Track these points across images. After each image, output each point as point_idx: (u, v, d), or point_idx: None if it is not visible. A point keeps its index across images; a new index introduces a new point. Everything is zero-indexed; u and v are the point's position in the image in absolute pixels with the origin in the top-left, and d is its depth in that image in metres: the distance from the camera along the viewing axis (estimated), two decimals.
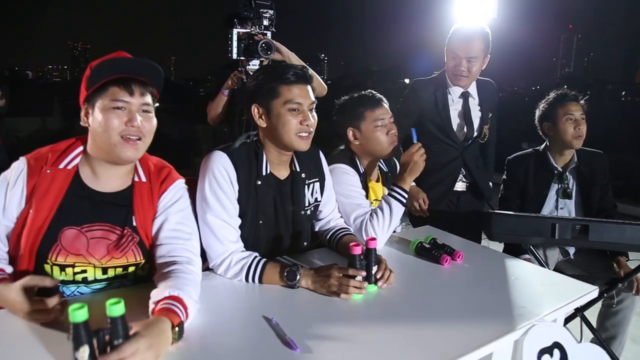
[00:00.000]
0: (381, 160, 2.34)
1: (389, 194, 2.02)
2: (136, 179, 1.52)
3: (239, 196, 1.70)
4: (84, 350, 0.99)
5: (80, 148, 1.49)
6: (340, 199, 2.06)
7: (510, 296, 1.55)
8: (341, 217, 2.05)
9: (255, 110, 1.72)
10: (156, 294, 1.27)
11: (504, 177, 2.69)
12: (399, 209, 1.99)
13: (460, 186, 2.73)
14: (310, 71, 1.77)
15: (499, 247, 2.48)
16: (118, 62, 1.40)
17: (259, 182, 1.74)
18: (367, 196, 2.17)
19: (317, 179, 1.93)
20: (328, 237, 1.97)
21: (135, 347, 1.04)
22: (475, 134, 2.67)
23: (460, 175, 2.71)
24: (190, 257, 1.47)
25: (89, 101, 1.42)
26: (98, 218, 1.46)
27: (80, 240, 1.43)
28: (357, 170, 2.15)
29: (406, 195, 2.01)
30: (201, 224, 1.64)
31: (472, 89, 2.67)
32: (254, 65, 2.56)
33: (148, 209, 1.52)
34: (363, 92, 2.15)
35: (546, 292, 1.59)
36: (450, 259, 1.83)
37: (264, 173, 1.75)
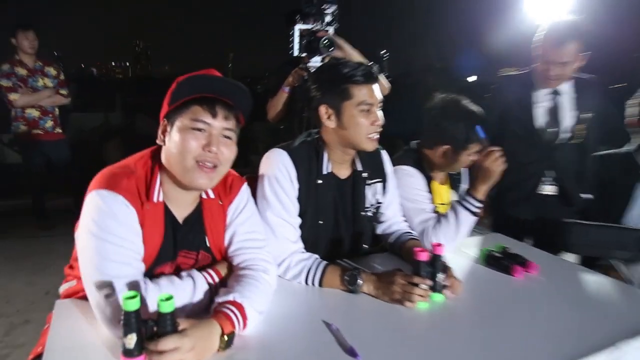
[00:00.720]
0: None
1: (460, 203, 1.97)
2: (204, 195, 1.49)
3: (299, 195, 1.72)
4: (132, 338, 1.07)
5: (158, 175, 1.41)
6: (404, 202, 2.04)
7: (592, 315, 1.46)
8: (405, 221, 2.03)
9: (323, 110, 1.73)
10: (221, 294, 1.31)
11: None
12: (467, 219, 1.94)
13: (547, 189, 2.55)
14: (376, 69, 1.76)
15: (576, 258, 2.36)
16: (205, 80, 1.35)
17: (320, 181, 1.76)
18: (432, 200, 2.13)
19: (379, 180, 1.93)
20: (391, 240, 1.96)
21: (177, 344, 1.07)
22: (568, 134, 2.49)
23: (549, 179, 2.54)
24: (265, 266, 1.48)
25: (169, 118, 1.37)
26: (179, 246, 1.45)
27: (166, 272, 1.45)
28: (423, 172, 2.12)
29: (479, 206, 1.94)
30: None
31: (566, 86, 2.50)
32: (315, 62, 2.57)
33: (219, 226, 1.51)
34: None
35: (633, 313, 1.49)
36: (523, 270, 1.76)
37: (324, 172, 1.77)
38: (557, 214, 2.47)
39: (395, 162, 2.08)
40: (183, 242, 1.44)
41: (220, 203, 1.51)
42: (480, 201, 1.94)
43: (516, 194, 2.55)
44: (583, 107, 2.51)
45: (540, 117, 2.51)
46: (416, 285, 1.49)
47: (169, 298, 1.06)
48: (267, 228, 1.66)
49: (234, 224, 1.52)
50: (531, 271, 1.77)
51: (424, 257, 1.52)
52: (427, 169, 2.15)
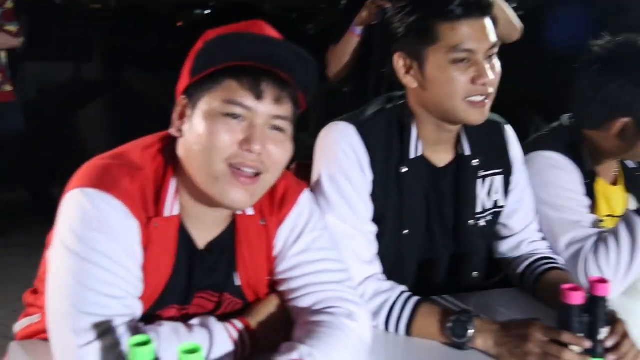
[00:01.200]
0: None
1: (638, 211, 1.92)
2: (239, 211, 1.50)
3: (373, 190, 1.75)
4: None
5: (172, 178, 1.43)
6: (544, 210, 2.02)
7: None
8: (543, 238, 2.01)
9: (399, 61, 1.76)
10: (284, 350, 1.33)
11: None
12: None
13: None
14: None
15: None
16: (247, 41, 1.34)
17: (404, 169, 1.78)
18: (593, 209, 2.09)
19: (499, 171, 1.93)
20: (520, 269, 1.95)
21: None
22: None
23: None
24: (350, 308, 1.49)
25: (190, 96, 1.37)
26: (196, 284, 1.48)
27: (174, 319, 1.46)
28: (580, 163, 2.07)
29: None
30: None
31: None
32: None
33: (258, 256, 1.53)
34: None
35: None
36: None
37: (412, 156, 1.79)
38: None
39: (531, 146, 2.07)
40: (202, 277, 1.47)
41: (263, 223, 1.53)
42: None
43: None
44: None
45: None
46: (565, 345, 1.46)
47: (195, 350, 1.08)
48: None
49: (291, 254, 1.54)
50: None
51: (577, 299, 1.48)
52: (587, 160, 2.10)
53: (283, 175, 1.50)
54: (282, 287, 1.55)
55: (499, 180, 1.94)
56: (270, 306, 1.53)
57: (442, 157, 1.86)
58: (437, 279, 1.90)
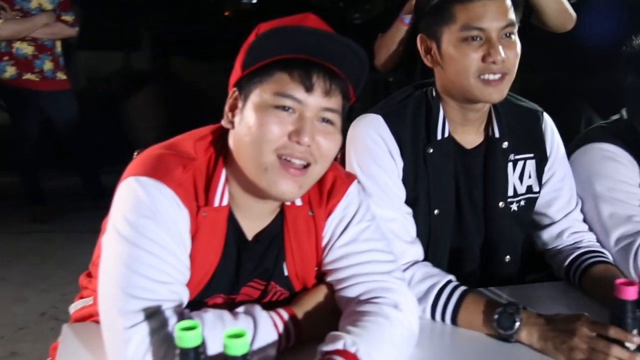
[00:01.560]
0: None
1: None
2: (287, 202, 1.52)
3: (404, 175, 1.80)
4: None
5: (223, 170, 1.46)
6: (598, 203, 1.98)
7: None
8: (589, 230, 2.00)
9: (421, 43, 1.83)
10: (328, 342, 1.33)
11: None
12: None
13: None
14: None
15: None
16: (299, 35, 1.34)
17: (431, 150, 1.82)
18: None
19: (530, 155, 1.94)
20: (565, 262, 1.93)
21: None
22: None
23: None
24: (396, 299, 1.49)
25: (242, 88, 1.39)
26: (245, 274, 1.51)
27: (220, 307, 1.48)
28: (637, 153, 2.02)
29: None
30: None
31: None
32: None
33: (306, 247, 1.55)
34: None
35: None
36: None
37: (438, 137, 1.83)
38: None
39: (586, 138, 2.05)
40: (250, 268, 1.50)
41: (311, 214, 1.54)
42: None
43: None
44: None
45: None
46: (616, 342, 1.42)
47: (241, 334, 1.09)
48: None
49: (339, 245, 1.55)
50: None
51: (631, 294, 1.43)
52: None
53: (332, 167, 1.52)
54: (330, 278, 1.56)
55: (531, 165, 1.95)
56: (317, 296, 1.54)
57: (471, 139, 1.89)
58: (470, 262, 1.92)
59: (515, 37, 1.76)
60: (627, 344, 1.42)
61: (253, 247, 1.49)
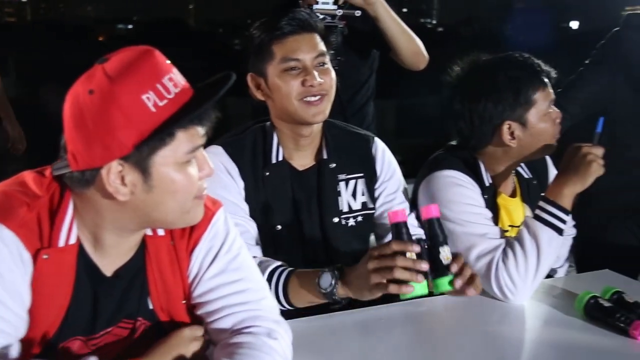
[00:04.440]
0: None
1: (536, 217, 2.03)
2: (149, 231, 1.50)
3: (246, 195, 2.03)
4: None
5: (70, 205, 1.39)
6: (452, 227, 2.07)
7: None
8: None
9: (251, 80, 2.08)
10: None
11: None
12: (552, 240, 2.00)
13: None
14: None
15: None
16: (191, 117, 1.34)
17: (267, 173, 2.05)
18: (495, 221, 2.19)
19: (361, 174, 2.16)
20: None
21: None
22: None
23: None
24: (270, 326, 1.51)
25: (129, 159, 1.30)
26: (106, 313, 1.46)
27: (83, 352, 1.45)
28: (480, 180, 2.18)
29: (565, 218, 2.02)
30: None
31: None
32: (324, 4, 2.60)
33: (172, 277, 1.52)
34: (513, 58, 2.20)
35: None
36: None
37: (274, 161, 2.07)
38: None
39: (431, 166, 2.18)
40: (112, 306, 1.46)
41: (173, 244, 1.52)
42: (566, 211, 2.01)
43: (618, 205, 2.64)
44: None
45: None
46: (399, 254, 1.63)
47: None
48: None
49: (207, 277, 1.54)
50: None
51: (400, 217, 1.68)
52: (486, 175, 2.21)
53: None
54: (200, 311, 1.55)
55: (362, 183, 2.18)
56: (172, 346, 1.48)
57: (304, 162, 2.13)
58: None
59: (329, 65, 2.03)
60: (408, 254, 1.64)
61: (112, 284, 1.46)
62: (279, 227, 2.05)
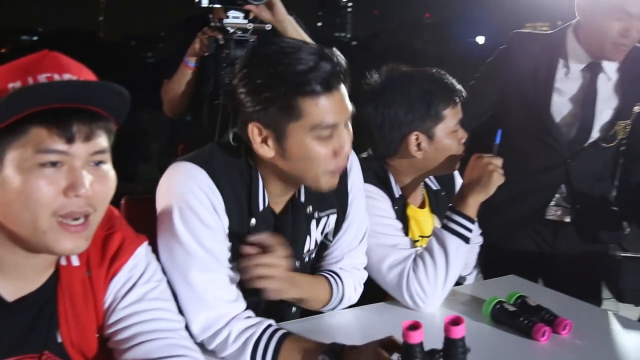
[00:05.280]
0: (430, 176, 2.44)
1: (444, 226, 2.11)
2: (63, 261, 1.42)
3: (229, 233, 1.78)
4: None
5: None
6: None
7: None
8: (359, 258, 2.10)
9: (255, 131, 1.72)
10: None
11: None
12: (459, 249, 2.07)
13: (556, 214, 2.77)
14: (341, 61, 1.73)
15: (633, 311, 2.51)
16: (51, 88, 1.25)
17: (254, 222, 1.83)
18: (406, 232, 2.26)
19: (334, 210, 2.02)
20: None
21: None
22: (597, 134, 2.69)
23: (558, 197, 2.75)
24: (189, 355, 1.47)
25: None
26: (4, 344, 1.35)
27: None
28: (390, 192, 2.24)
29: (471, 227, 2.09)
30: (177, 284, 1.68)
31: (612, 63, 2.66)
32: (234, 18, 2.60)
33: (85, 310, 1.44)
34: (430, 73, 2.25)
35: None
36: (551, 330, 1.87)
37: (260, 208, 1.84)
38: (575, 244, 2.72)
39: None
40: (12, 336, 1.36)
41: (88, 275, 1.45)
42: (471, 220, 2.09)
43: (516, 215, 2.74)
44: (631, 94, 2.67)
45: (561, 106, 2.67)
46: None
47: None
48: (187, 291, 1.68)
49: (122, 306, 1.48)
50: (563, 332, 1.88)
51: (416, 338, 1.43)
52: (395, 187, 2.27)
53: (120, 227, 1.51)
54: (114, 339, 1.47)
55: (333, 218, 2.02)
56: None
57: (281, 205, 1.92)
58: (292, 312, 2.00)
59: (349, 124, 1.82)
60: None
61: (14, 312, 1.36)
62: None
